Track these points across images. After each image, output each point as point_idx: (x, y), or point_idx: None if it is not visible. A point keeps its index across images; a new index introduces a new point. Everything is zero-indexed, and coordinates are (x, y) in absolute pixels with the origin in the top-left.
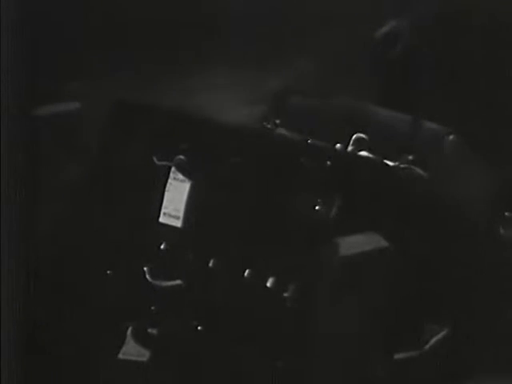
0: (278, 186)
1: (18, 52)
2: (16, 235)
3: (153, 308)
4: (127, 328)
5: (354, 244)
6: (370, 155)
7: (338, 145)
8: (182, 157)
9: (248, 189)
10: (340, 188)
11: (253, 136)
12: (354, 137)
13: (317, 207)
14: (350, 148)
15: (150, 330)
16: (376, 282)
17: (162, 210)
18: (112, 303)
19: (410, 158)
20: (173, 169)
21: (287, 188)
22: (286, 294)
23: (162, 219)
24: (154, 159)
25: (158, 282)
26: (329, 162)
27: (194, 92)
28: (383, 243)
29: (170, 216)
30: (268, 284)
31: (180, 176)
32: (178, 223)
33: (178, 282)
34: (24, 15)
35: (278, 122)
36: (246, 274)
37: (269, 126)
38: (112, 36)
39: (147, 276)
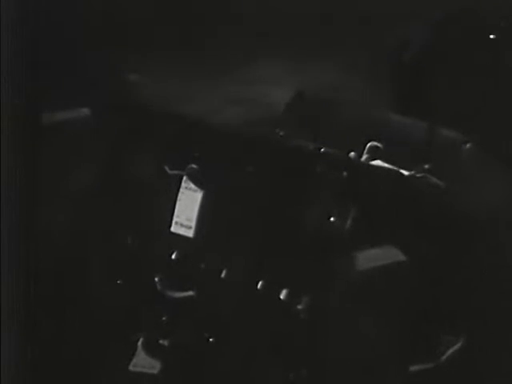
0: (291, 196)
1: (18, 52)
2: (17, 242)
3: (164, 319)
4: (138, 339)
5: (370, 258)
6: (385, 164)
7: (352, 153)
8: (194, 166)
9: (261, 199)
10: (355, 199)
11: (267, 144)
12: (368, 145)
13: (332, 218)
14: (364, 157)
15: (161, 342)
16: (391, 295)
17: (174, 220)
18: (122, 313)
19: (426, 166)
20: (184, 178)
21: (301, 198)
22: (299, 307)
23: (173, 229)
24: (166, 168)
25: (169, 293)
26: (345, 173)
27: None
28: (401, 257)
29: (182, 226)
30: (281, 296)
31: (192, 185)
32: (190, 233)
33: (190, 293)
34: (24, 15)
35: (291, 130)
36: (259, 285)
37: (282, 134)
38: (120, 35)
39: (158, 286)
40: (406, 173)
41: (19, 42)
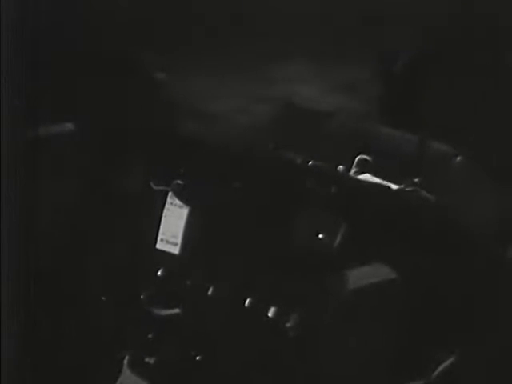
0: (279, 212)
1: (18, 53)
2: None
3: (150, 336)
4: (124, 357)
5: (359, 276)
6: (374, 178)
7: (341, 167)
8: (179, 181)
9: (248, 215)
10: (344, 215)
11: (254, 159)
12: (357, 158)
13: (320, 235)
14: (353, 170)
15: (147, 360)
16: (381, 312)
17: (159, 236)
18: (108, 331)
19: (416, 180)
20: (170, 194)
21: (289, 214)
22: (287, 325)
23: (159, 245)
24: (152, 184)
25: (155, 310)
26: (333, 188)
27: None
28: (390, 275)
29: (168, 242)
30: (269, 314)
31: (177, 201)
32: (176, 250)
33: (176, 310)
34: (24, 15)
35: (280, 143)
36: (246, 302)
37: (272, 147)
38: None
39: (144, 303)
40: (395, 186)
41: (19, 41)
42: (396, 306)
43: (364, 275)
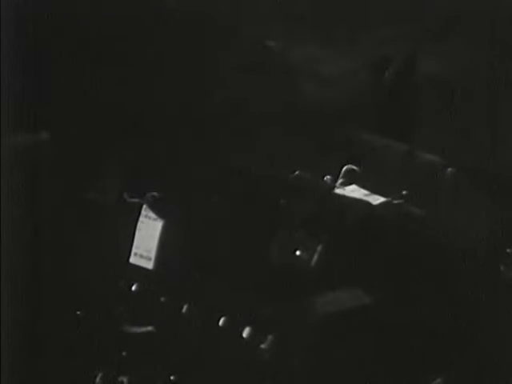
0: (257, 227)
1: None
2: None
3: (123, 354)
4: (96, 375)
5: (335, 300)
6: (361, 189)
7: (328, 177)
8: (154, 193)
9: (225, 229)
10: (323, 232)
11: (232, 172)
12: (344, 168)
13: (297, 252)
14: (339, 180)
15: (120, 379)
16: (361, 335)
17: (133, 251)
18: (82, 347)
19: (404, 193)
20: (144, 206)
21: (267, 230)
22: (263, 346)
23: (132, 260)
24: (125, 196)
25: (128, 327)
26: (312, 203)
27: None
28: (366, 299)
29: (142, 257)
30: (244, 334)
31: (152, 214)
32: (150, 265)
33: (149, 328)
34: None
35: (263, 154)
36: (220, 322)
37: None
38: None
39: (117, 320)
40: (382, 199)
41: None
42: (376, 329)
43: (337, 300)
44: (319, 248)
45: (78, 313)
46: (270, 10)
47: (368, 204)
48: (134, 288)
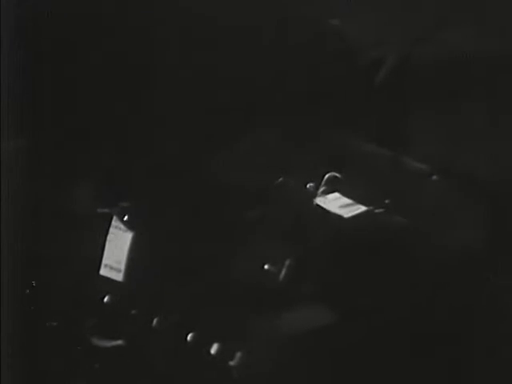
0: (226, 239)
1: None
2: None
3: (95, 367)
4: None
5: (300, 319)
6: (343, 197)
7: (310, 184)
8: (124, 204)
9: (194, 242)
10: (292, 244)
11: (205, 182)
12: (327, 176)
13: (266, 266)
14: (321, 188)
15: None
16: (330, 353)
17: (103, 262)
18: (54, 360)
19: (387, 201)
20: (114, 217)
21: (236, 242)
22: (231, 363)
23: (102, 271)
24: (95, 206)
25: (97, 341)
26: (283, 215)
27: None
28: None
29: (112, 268)
30: (212, 350)
31: (122, 225)
32: (119, 277)
33: (119, 342)
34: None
35: (237, 161)
36: (188, 337)
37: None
38: None
39: (87, 333)
40: (363, 208)
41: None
42: (345, 350)
43: (303, 319)
44: (287, 262)
45: (52, 324)
46: None
47: (342, 216)
48: (104, 300)
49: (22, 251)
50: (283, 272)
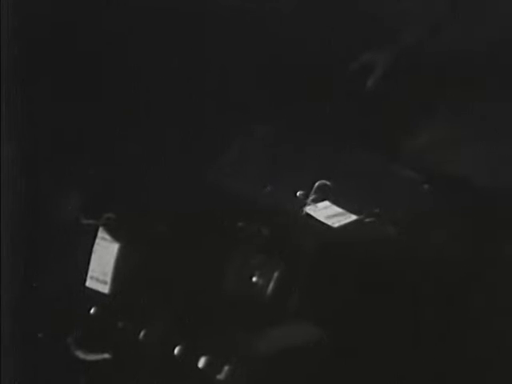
0: (213, 251)
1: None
2: None
3: (82, 380)
4: None
5: (288, 334)
6: (334, 205)
7: (300, 192)
8: (110, 215)
9: (181, 253)
10: (281, 256)
11: (192, 193)
12: (317, 183)
13: (254, 278)
14: (311, 196)
15: None
16: (319, 367)
17: (89, 274)
18: (39, 371)
19: (377, 210)
20: (100, 228)
21: (224, 254)
22: (219, 377)
23: (88, 283)
24: (81, 217)
25: (84, 354)
26: (270, 227)
27: None
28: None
29: (98, 280)
30: (200, 364)
31: (107, 236)
32: (106, 289)
33: (106, 355)
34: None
35: (229, 169)
36: (176, 350)
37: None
38: None
39: (73, 345)
40: (353, 217)
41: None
42: (333, 366)
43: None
44: (276, 275)
45: (39, 335)
46: None
47: (331, 227)
48: (89, 313)
49: (7, 261)
50: (271, 285)
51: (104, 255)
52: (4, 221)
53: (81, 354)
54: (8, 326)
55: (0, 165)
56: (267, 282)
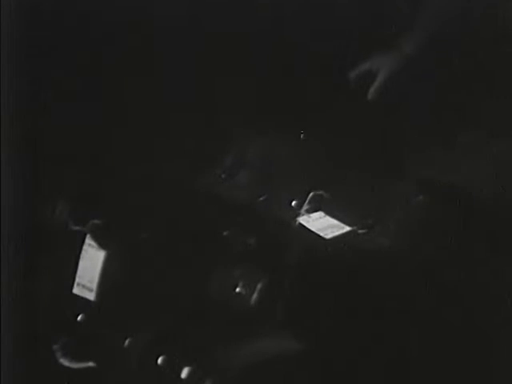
0: (197, 260)
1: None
2: None
3: None
4: None
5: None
6: (327, 216)
7: (294, 202)
8: (96, 221)
9: (166, 262)
10: (265, 267)
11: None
12: (311, 194)
13: (238, 289)
14: (305, 207)
15: None
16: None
17: (76, 280)
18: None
19: (370, 221)
20: (88, 235)
21: (207, 264)
22: None
23: (75, 290)
24: (69, 223)
25: (69, 362)
26: (255, 237)
27: None
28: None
29: (84, 287)
30: (182, 375)
31: (94, 243)
32: (92, 296)
33: (90, 363)
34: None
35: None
36: (159, 360)
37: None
38: None
39: (58, 353)
40: (347, 228)
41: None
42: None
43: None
44: (259, 285)
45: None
46: None
47: (324, 238)
48: (76, 320)
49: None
50: (255, 296)
51: (91, 262)
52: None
53: (66, 362)
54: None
55: None
56: (251, 293)
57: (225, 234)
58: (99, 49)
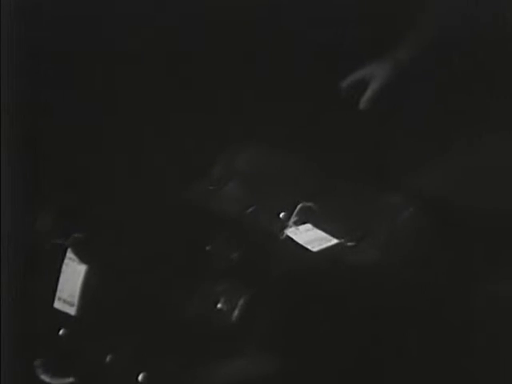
0: (180, 275)
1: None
2: None
3: None
4: None
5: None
6: (315, 228)
7: (282, 213)
8: (78, 235)
9: (148, 276)
10: (247, 283)
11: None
12: (299, 206)
13: (219, 305)
14: (293, 219)
15: None
16: None
17: (57, 295)
18: None
19: (359, 234)
20: (69, 249)
21: (188, 279)
22: None
23: (56, 305)
24: (50, 237)
25: (49, 378)
26: (237, 252)
27: None
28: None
29: (65, 302)
30: None
31: (75, 257)
32: (72, 311)
33: (70, 379)
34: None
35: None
36: (140, 377)
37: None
38: None
39: (39, 369)
40: (334, 241)
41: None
42: None
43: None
44: (241, 302)
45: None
46: None
47: (310, 251)
48: (56, 335)
49: None
50: (236, 312)
51: (72, 276)
52: None
53: (47, 378)
54: None
55: None
56: (232, 309)
57: (207, 248)
58: (99, 49)
